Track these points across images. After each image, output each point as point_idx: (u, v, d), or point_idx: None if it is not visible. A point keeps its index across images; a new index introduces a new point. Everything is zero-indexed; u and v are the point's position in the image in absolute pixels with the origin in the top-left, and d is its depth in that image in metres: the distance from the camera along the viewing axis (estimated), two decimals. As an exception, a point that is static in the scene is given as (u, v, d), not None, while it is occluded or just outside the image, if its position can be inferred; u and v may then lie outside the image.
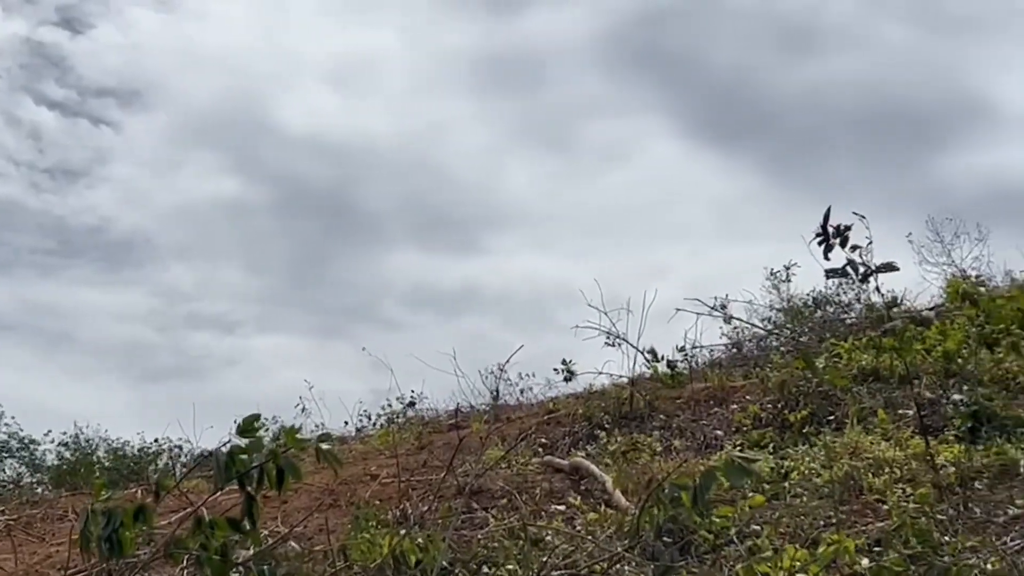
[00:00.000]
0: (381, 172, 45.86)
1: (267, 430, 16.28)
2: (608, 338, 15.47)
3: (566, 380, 16.36)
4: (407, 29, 48.72)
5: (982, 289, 18.20)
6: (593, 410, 14.57)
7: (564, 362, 16.20)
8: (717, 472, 5.42)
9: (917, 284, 19.86)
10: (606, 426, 13.95)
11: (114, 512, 5.17)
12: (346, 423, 18.82)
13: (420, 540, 8.70)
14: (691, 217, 40.87)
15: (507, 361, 16.04)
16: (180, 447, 21.17)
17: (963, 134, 41.11)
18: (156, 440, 22.13)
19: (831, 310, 20.79)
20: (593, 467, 11.74)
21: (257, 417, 5.16)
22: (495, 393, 17.54)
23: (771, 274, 21.41)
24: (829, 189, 35.07)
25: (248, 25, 50.47)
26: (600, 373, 16.04)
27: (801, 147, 42.06)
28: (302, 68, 50.07)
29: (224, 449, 5.13)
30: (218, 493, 5.79)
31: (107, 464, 22.16)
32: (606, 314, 15.45)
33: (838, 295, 20.76)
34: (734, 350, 18.87)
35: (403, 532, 8.90)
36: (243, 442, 5.09)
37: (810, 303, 21.22)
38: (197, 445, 18.09)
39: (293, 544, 9.67)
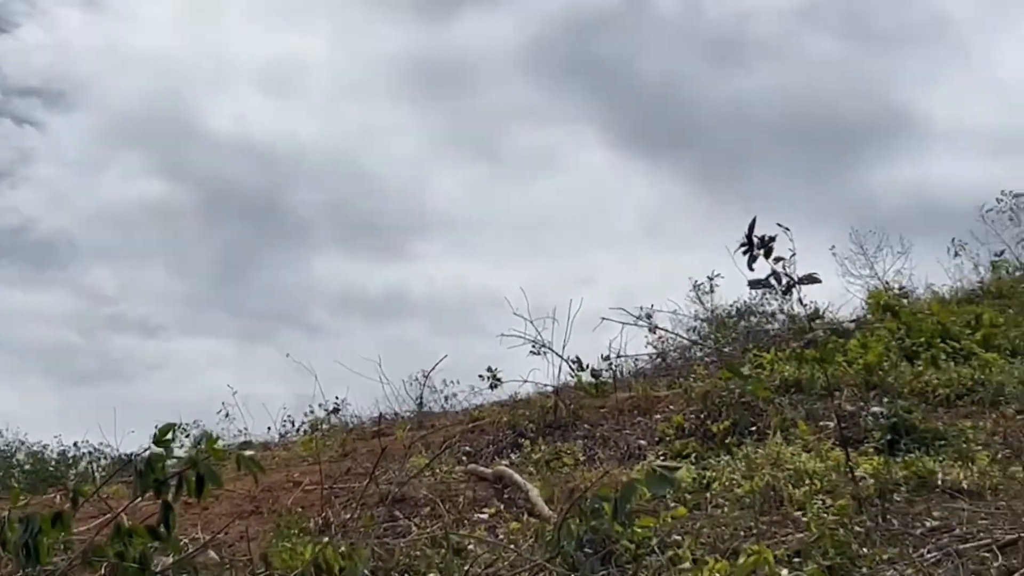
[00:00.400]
0: (309, 176, 45.67)
1: (188, 436, 16.16)
2: (533, 346, 15.49)
3: (491, 388, 16.33)
4: (337, 34, 48.59)
5: (904, 302, 18.45)
6: (518, 419, 14.57)
7: (489, 370, 16.17)
8: (638, 483, 5.44)
9: (841, 296, 20.04)
10: (530, 435, 13.95)
11: (32, 518, 5.10)
12: (269, 429, 18.67)
13: (342, 548, 8.65)
14: (619, 226, 40.98)
15: (432, 369, 16.01)
16: (101, 452, 20.89)
17: (888, 147, 41.66)
18: (75, 444, 21.81)
19: (755, 321, 20.94)
20: (517, 476, 11.73)
21: (172, 427, 5.11)
22: (419, 401, 17.50)
23: (695, 285, 21.54)
24: (756, 200, 35.36)
25: (177, 27, 50.08)
26: (525, 381, 16.06)
27: (729, 158, 42.40)
28: (231, 71, 49.83)
29: (143, 456, 5.07)
30: (138, 500, 5.73)
31: (27, 468, 21.81)
32: (532, 322, 15.47)
33: (762, 306, 20.93)
34: (659, 360, 18.96)
35: (325, 540, 8.85)
36: (159, 451, 5.04)
37: (734, 314, 21.36)
38: (118, 450, 17.91)
39: (212, 553, 9.58)
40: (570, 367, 15.41)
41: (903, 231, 22.07)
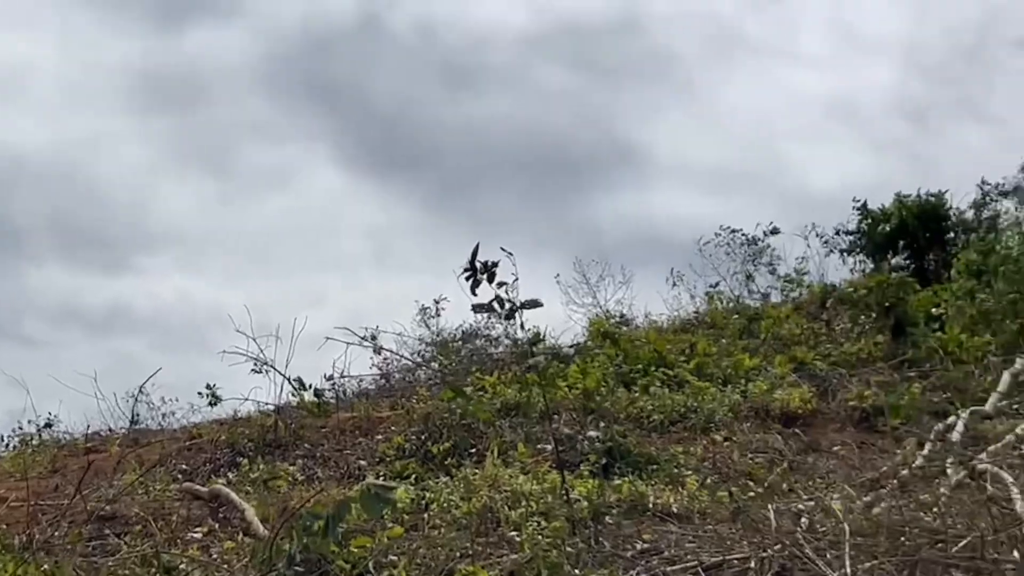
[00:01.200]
0: (28, 184, 43.81)
1: None
2: (256, 364, 15.24)
3: (211, 406, 16.00)
4: (65, 41, 46.81)
5: (623, 329, 18.95)
6: (237, 437, 14.29)
7: (208, 387, 15.84)
8: (352, 502, 5.39)
9: (564, 323, 20.45)
10: (249, 453, 13.70)
11: None
12: (-25, 445, 17.79)
13: (46, 566, 8.31)
14: (349, 246, 40.76)
15: (144, 383, 15.52)
16: None
17: (613, 179, 42.72)
18: None
19: (480, 344, 21.16)
20: (233, 495, 11.51)
21: None
22: (134, 416, 16.96)
23: (422, 308, 21.62)
24: (485, 225, 35.74)
25: None
26: (246, 400, 15.77)
27: (460, 182, 42.71)
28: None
29: None
30: None
31: None
32: (255, 340, 15.20)
33: (488, 330, 21.17)
34: (383, 381, 18.94)
35: (27, 557, 8.48)
36: None
37: (459, 337, 21.54)
38: None
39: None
40: (292, 386, 15.24)
41: (625, 261, 22.68)
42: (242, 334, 15.14)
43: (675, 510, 9.99)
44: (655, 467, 11.57)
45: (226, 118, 43.73)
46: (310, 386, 15.37)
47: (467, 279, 8.80)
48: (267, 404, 15.41)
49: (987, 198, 25.98)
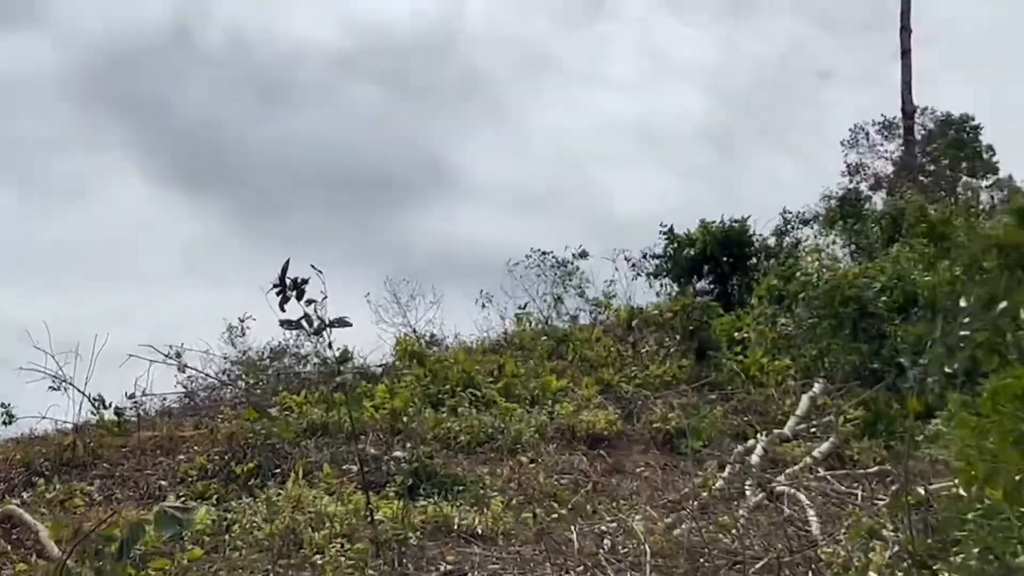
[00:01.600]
0: None
1: None
2: (54, 381, 14.80)
3: (4, 424, 15.44)
4: None
5: (433, 350, 18.94)
6: (32, 456, 13.83)
7: (2, 405, 15.28)
8: (147, 524, 5.25)
9: (374, 342, 20.31)
10: (46, 473, 13.28)
11: None
12: None
13: None
14: (158, 261, 39.89)
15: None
16: None
17: (425, 199, 42.82)
18: None
19: (288, 362, 20.90)
20: (26, 515, 11.17)
21: None
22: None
23: (229, 326, 21.23)
24: (298, 242, 35.33)
25: None
26: (43, 418, 15.28)
27: (272, 198, 42.31)
28: None
29: None
30: None
31: None
32: (53, 357, 14.77)
33: (298, 347, 20.91)
34: (187, 400, 18.57)
35: None
36: None
37: (268, 354, 21.22)
38: None
39: None
40: (92, 404, 14.82)
41: (436, 281, 22.58)
42: (40, 350, 14.72)
43: (480, 531, 10.04)
44: (461, 488, 11.59)
45: (28, 127, 42.58)
46: (110, 404, 14.97)
47: (276, 295, 8.72)
48: (65, 422, 14.98)
49: (789, 225, 26.74)
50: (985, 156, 39.94)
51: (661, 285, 25.18)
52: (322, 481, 11.52)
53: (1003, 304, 5.97)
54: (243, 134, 42.99)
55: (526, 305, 22.52)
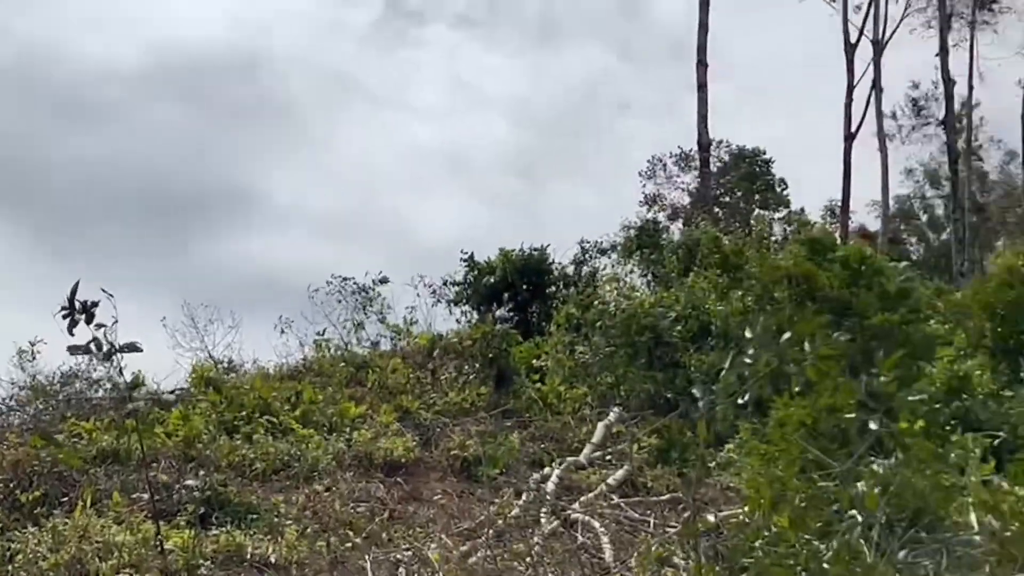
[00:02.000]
0: None
1: None
2: None
3: None
4: None
5: (230, 376, 18.66)
6: None
7: None
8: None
9: (171, 367, 19.87)
10: None
11: None
12: None
13: None
14: (-54, 282, 38.54)
15: None
16: None
17: (227, 222, 42.31)
18: None
19: (79, 387, 20.32)
20: None
21: None
22: None
23: (19, 351, 20.54)
24: (95, 264, 34.39)
25: None
26: None
27: (70, 219, 41.24)
28: None
29: None
30: None
31: None
32: None
33: (90, 372, 20.34)
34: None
35: None
36: None
37: (59, 379, 20.61)
38: None
39: None
40: None
41: (236, 306, 22.24)
42: None
43: (273, 560, 9.93)
44: (255, 517, 11.43)
45: None
46: None
47: (64, 319, 8.48)
48: None
49: (587, 255, 27.19)
50: (777, 189, 41.42)
51: (462, 312, 25.36)
52: (111, 510, 11.24)
53: (787, 334, 6.15)
54: (39, 154, 41.84)
55: (325, 331, 22.37)
